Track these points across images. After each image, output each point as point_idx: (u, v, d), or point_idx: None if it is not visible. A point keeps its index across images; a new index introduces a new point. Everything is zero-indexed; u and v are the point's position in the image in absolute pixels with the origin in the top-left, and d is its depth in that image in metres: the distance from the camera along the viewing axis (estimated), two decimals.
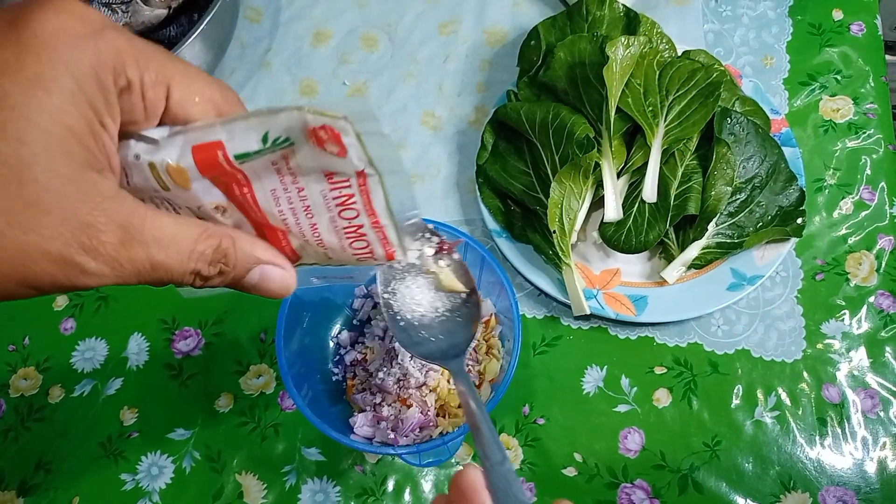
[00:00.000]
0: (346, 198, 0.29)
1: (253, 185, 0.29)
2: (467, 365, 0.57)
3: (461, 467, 0.60)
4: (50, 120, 0.23)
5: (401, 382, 0.58)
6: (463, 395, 0.36)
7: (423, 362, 0.57)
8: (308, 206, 0.29)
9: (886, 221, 0.67)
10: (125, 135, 0.27)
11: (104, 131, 0.25)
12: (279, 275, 0.30)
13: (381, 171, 0.28)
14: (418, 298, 0.40)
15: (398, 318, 0.40)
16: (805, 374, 0.62)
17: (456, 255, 0.39)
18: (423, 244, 0.34)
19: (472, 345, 0.43)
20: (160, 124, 0.28)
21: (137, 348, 0.67)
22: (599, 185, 0.63)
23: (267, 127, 0.26)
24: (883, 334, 0.63)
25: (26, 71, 0.22)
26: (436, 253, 0.37)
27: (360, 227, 0.30)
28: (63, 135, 0.23)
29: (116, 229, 0.24)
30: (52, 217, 0.23)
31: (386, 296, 0.40)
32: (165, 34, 0.76)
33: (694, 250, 0.62)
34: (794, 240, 0.63)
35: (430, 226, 0.36)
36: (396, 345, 0.58)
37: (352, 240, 0.31)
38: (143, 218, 0.25)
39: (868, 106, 0.72)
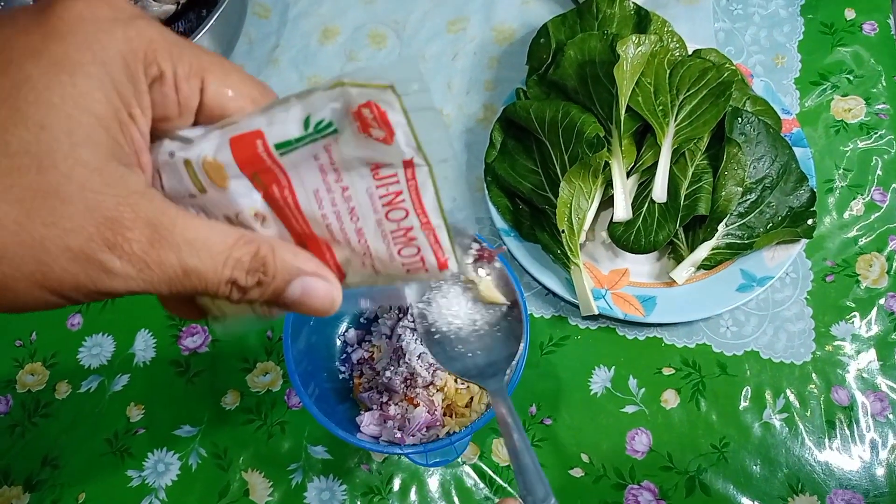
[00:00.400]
0: (393, 195, 0.26)
1: (294, 185, 0.26)
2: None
3: (467, 468, 0.60)
4: (74, 105, 0.21)
5: (408, 381, 0.57)
6: (503, 421, 0.32)
7: (433, 363, 0.57)
8: (353, 208, 0.26)
9: None
10: (158, 135, 0.25)
11: (132, 122, 0.23)
12: (324, 289, 0.27)
13: (432, 161, 0.25)
14: (455, 310, 0.37)
15: (433, 330, 0.37)
16: (814, 377, 0.62)
17: (497, 264, 0.36)
18: (463, 251, 0.30)
19: (514, 363, 0.38)
20: (195, 124, 0.26)
21: (144, 345, 0.67)
22: (609, 184, 0.62)
23: (308, 109, 0.24)
24: (893, 336, 0.63)
25: (51, 55, 0.21)
26: (475, 261, 0.34)
27: (410, 229, 0.26)
28: (88, 122, 0.21)
29: (144, 227, 0.22)
30: (74, 208, 0.21)
31: (420, 305, 0.37)
32: (174, 30, 0.76)
33: (703, 251, 0.62)
34: (804, 241, 0.63)
35: (472, 231, 0.32)
36: (404, 343, 0.58)
37: (400, 246, 0.27)
38: (175, 218, 0.23)
39: (880, 106, 0.72)
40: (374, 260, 0.27)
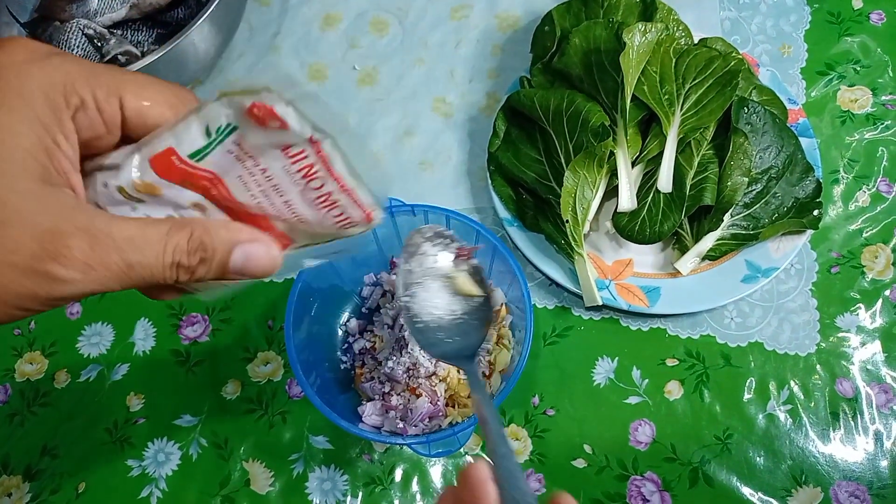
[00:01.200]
0: (307, 168, 0.29)
1: (221, 178, 0.29)
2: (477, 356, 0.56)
3: (469, 458, 0.60)
4: (2, 141, 0.24)
5: (410, 372, 0.57)
6: (474, 393, 0.37)
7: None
8: (276, 185, 0.29)
9: None
10: (91, 153, 0.28)
11: (58, 149, 0.26)
12: (263, 251, 0.30)
13: (332, 133, 0.28)
14: (436, 301, 0.41)
15: (416, 320, 0.41)
16: (818, 368, 0.61)
17: (473, 261, 0.41)
18: (443, 249, 0.34)
19: (485, 346, 0.45)
20: (123, 136, 0.29)
21: (144, 334, 0.67)
22: (613, 174, 0.62)
23: (205, 121, 0.27)
24: None
25: None
26: (455, 258, 0.39)
27: (330, 194, 0.30)
28: (17, 153, 0.24)
29: (83, 234, 0.25)
30: (14, 229, 0.24)
31: (405, 299, 0.41)
32: (173, 16, 0.75)
33: (709, 241, 0.61)
34: (809, 232, 0.62)
35: (451, 231, 0.37)
36: (406, 334, 0.57)
37: (326, 209, 0.30)
38: (109, 221, 0.26)
39: (887, 97, 0.71)
40: (308, 225, 0.31)
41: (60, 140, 0.26)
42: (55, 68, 0.26)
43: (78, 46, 0.70)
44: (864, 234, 0.66)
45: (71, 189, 0.26)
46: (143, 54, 0.72)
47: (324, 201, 0.30)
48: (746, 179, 0.60)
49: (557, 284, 0.64)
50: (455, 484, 0.32)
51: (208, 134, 0.27)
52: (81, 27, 0.71)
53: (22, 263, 0.24)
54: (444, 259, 0.40)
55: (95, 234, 0.25)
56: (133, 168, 0.28)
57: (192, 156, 0.28)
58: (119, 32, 0.74)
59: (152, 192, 0.28)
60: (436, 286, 0.41)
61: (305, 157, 0.28)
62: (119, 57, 0.70)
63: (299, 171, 0.29)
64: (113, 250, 0.26)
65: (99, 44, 0.71)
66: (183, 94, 0.29)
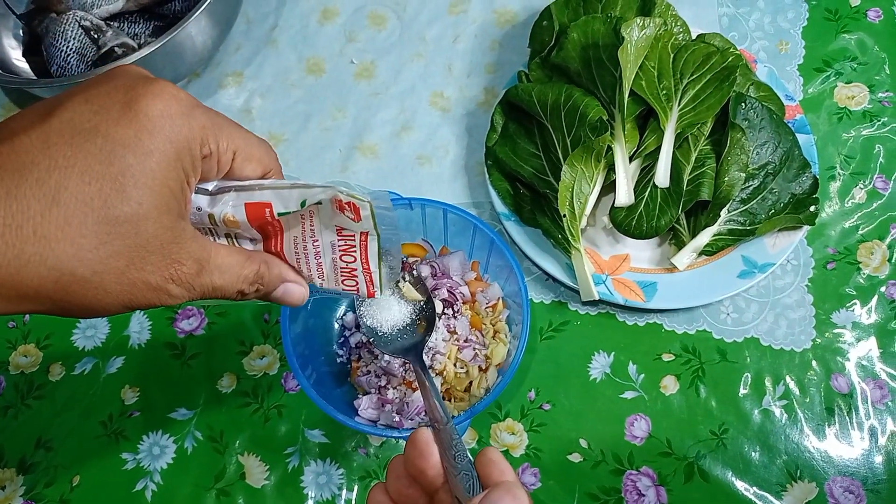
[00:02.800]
0: (348, 247, 0.38)
1: (284, 231, 0.37)
2: (473, 349, 0.57)
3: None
4: (159, 184, 0.30)
5: (406, 365, 0.57)
6: (419, 377, 0.44)
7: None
8: (318, 251, 0.38)
9: None
10: None
11: (189, 188, 0.32)
12: (299, 291, 0.39)
13: (380, 234, 0.37)
14: (386, 306, 0.49)
15: (370, 322, 0.49)
16: (814, 364, 0.61)
17: (415, 272, 0.50)
18: (393, 269, 0.42)
19: (427, 342, 0.53)
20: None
21: (139, 327, 0.66)
22: (611, 169, 0.62)
23: (306, 196, 0.34)
24: (893, 325, 0.62)
25: (143, 147, 0.29)
26: (400, 270, 0.47)
27: (354, 270, 0.39)
28: (167, 195, 0.30)
29: (194, 263, 0.32)
30: (156, 257, 0.30)
31: (363, 309, 0.49)
32: (170, 9, 0.75)
33: (705, 237, 0.61)
34: (806, 228, 0.62)
35: (401, 257, 0.44)
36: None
37: (344, 278, 0.40)
38: (211, 251, 0.33)
39: (883, 94, 0.71)
40: (324, 281, 0.40)
41: (192, 182, 0.32)
42: (197, 121, 0.31)
43: (74, 38, 0.70)
44: (860, 231, 0.66)
45: (189, 215, 0.33)
46: (140, 47, 0.71)
47: (346, 272, 0.39)
48: (743, 175, 0.60)
49: (554, 279, 0.64)
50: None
51: (302, 205, 0.34)
52: (78, 19, 0.70)
53: (154, 283, 0.31)
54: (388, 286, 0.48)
55: (202, 262, 0.32)
56: (229, 205, 0.35)
57: (280, 214, 0.35)
58: (116, 24, 0.74)
59: (233, 227, 0.35)
60: (387, 296, 0.49)
61: (352, 239, 0.37)
62: (116, 49, 0.70)
63: (341, 247, 0.38)
64: (208, 275, 0.33)
65: (95, 36, 0.71)
66: (272, 153, 0.37)
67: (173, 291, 0.32)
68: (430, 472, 0.35)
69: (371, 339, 0.47)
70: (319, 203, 0.35)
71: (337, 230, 0.37)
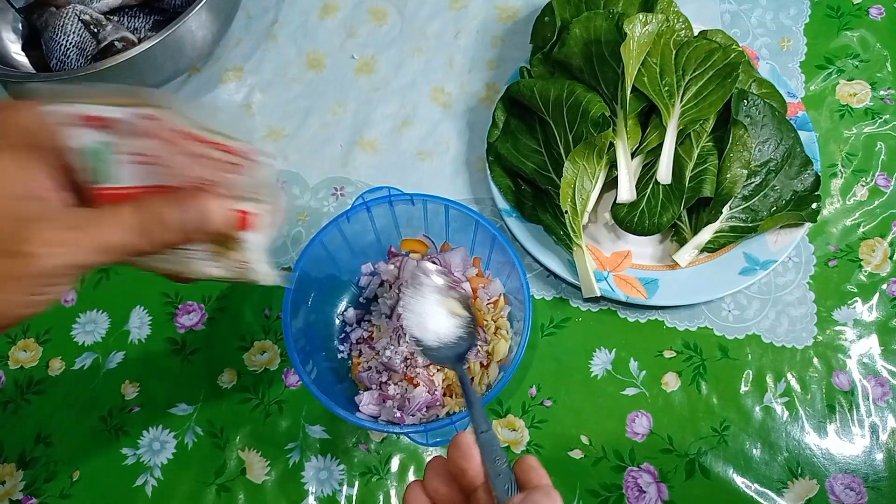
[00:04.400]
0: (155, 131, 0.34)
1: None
2: (475, 345, 0.57)
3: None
4: (30, 178, 0.32)
5: (408, 361, 0.57)
6: (463, 384, 0.46)
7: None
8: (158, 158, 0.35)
9: None
10: None
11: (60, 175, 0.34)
12: (215, 203, 0.36)
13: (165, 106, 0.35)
14: (435, 318, 0.52)
15: (418, 336, 0.50)
16: (815, 361, 0.61)
17: (462, 292, 0.52)
18: (440, 277, 0.47)
19: (471, 353, 0.56)
20: None
21: (139, 322, 0.66)
22: (613, 165, 0.62)
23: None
24: (895, 322, 0.62)
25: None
26: (448, 288, 0.52)
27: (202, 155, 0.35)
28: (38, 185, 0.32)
29: (50, 220, 0.33)
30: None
31: (412, 324, 0.51)
32: (171, 3, 0.74)
33: (707, 233, 0.61)
34: (807, 225, 0.62)
35: (444, 269, 0.48)
36: (404, 323, 0.57)
37: (204, 166, 0.35)
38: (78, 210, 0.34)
39: (885, 91, 0.71)
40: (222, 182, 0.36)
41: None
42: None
43: (74, 32, 0.70)
44: (862, 228, 0.66)
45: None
46: (140, 41, 0.71)
47: (201, 159, 0.35)
48: (745, 172, 0.60)
49: (556, 275, 0.64)
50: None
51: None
52: (78, 13, 0.70)
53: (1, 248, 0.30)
54: (441, 285, 0.52)
55: (63, 219, 0.32)
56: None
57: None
58: (116, 19, 0.74)
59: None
60: (434, 306, 0.52)
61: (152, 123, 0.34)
62: (116, 43, 0.70)
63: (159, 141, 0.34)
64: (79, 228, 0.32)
65: (95, 30, 0.70)
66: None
67: (31, 250, 0.31)
68: (470, 473, 0.36)
69: (423, 351, 0.50)
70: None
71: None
